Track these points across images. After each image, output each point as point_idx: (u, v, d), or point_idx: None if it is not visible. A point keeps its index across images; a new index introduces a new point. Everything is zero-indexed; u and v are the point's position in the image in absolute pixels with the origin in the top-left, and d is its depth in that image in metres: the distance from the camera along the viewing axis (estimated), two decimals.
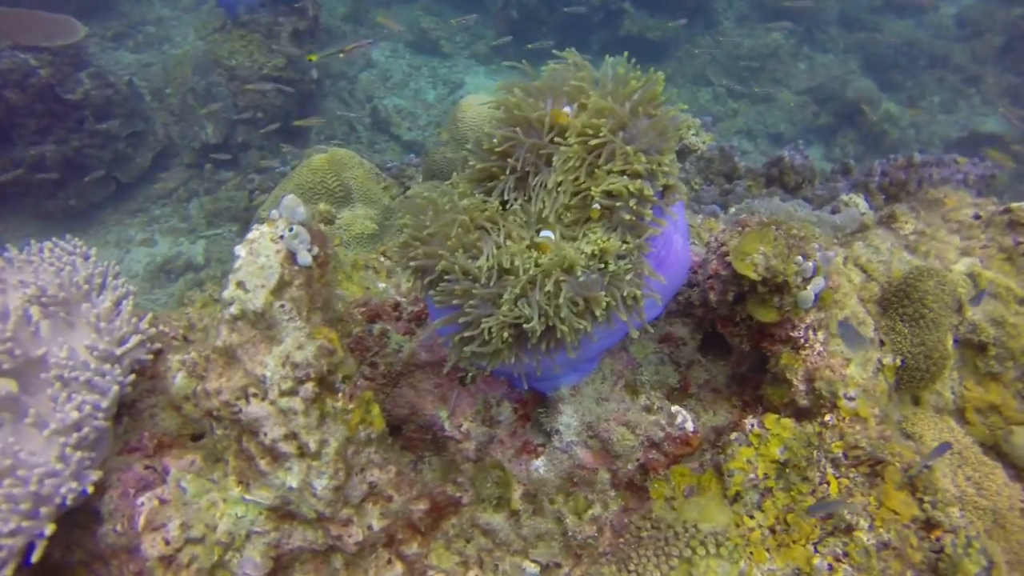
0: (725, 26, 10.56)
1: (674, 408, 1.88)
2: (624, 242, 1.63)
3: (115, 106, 7.46)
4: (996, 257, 2.47)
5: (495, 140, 1.83)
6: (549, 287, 1.56)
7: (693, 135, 4.97)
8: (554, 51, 1.98)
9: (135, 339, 1.98)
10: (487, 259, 1.61)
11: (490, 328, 1.59)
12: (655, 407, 2.02)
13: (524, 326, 1.57)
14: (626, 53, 1.84)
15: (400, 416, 2.25)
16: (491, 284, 1.61)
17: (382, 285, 3.08)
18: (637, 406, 2.00)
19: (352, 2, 10.22)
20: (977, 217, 2.81)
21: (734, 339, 1.95)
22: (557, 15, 9.89)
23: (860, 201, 4.06)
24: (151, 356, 2.08)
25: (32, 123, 6.94)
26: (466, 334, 1.65)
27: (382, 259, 3.26)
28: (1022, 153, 8.34)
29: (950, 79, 9.61)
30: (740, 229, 1.94)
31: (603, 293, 1.59)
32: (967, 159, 4.34)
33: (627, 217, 1.64)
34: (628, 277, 1.62)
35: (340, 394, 1.84)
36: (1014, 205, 2.54)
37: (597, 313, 1.57)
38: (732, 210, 4.09)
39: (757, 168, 4.58)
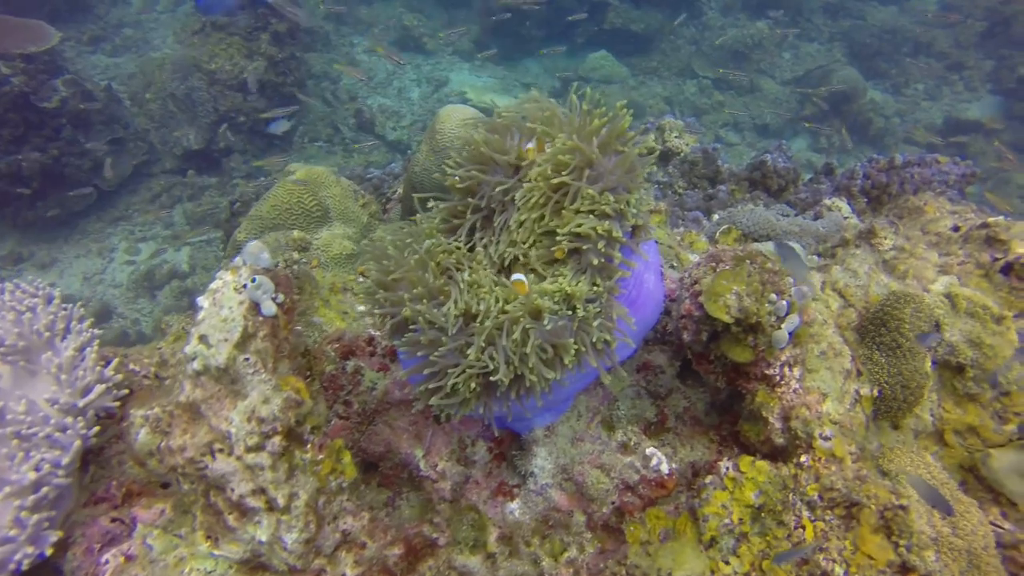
0: (710, 16, 10.45)
1: (648, 450, 1.85)
2: (594, 285, 1.59)
3: (93, 113, 7.31)
4: (974, 274, 2.43)
5: (457, 179, 1.78)
6: (516, 335, 1.52)
7: (676, 137, 4.90)
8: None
9: (99, 389, 1.92)
10: (453, 306, 1.56)
11: (456, 379, 1.54)
12: (631, 444, 1.99)
13: (492, 378, 1.53)
14: (587, 91, 1.78)
15: (376, 454, 2.21)
16: (458, 331, 1.57)
17: (361, 308, 3.02)
18: (613, 445, 1.97)
19: (334, 2, 10.03)
20: (956, 229, 2.78)
21: (709, 376, 1.92)
22: (541, 8, 9.74)
23: (843, 205, 4.03)
24: (118, 403, 2.02)
25: (6, 133, 6.79)
26: (433, 384, 1.61)
27: (361, 279, 3.20)
28: (1003, 141, 8.32)
29: (934, 66, 9.56)
30: (714, 265, 1.89)
31: (572, 340, 1.54)
32: (948, 158, 4.30)
33: (595, 261, 1.59)
34: (597, 322, 1.58)
35: (309, 445, 1.79)
36: (991, 220, 2.51)
37: (567, 360, 1.53)
38: (715, 217, 4.04)
39: (740, 172, 4.53)
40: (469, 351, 1.50)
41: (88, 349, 2.01)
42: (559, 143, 1.68)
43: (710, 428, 2.06)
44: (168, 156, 7.78)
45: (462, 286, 1.60)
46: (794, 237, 3.53)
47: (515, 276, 1.68)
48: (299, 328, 2.65)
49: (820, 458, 1.69)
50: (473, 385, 1.51)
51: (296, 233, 2.76)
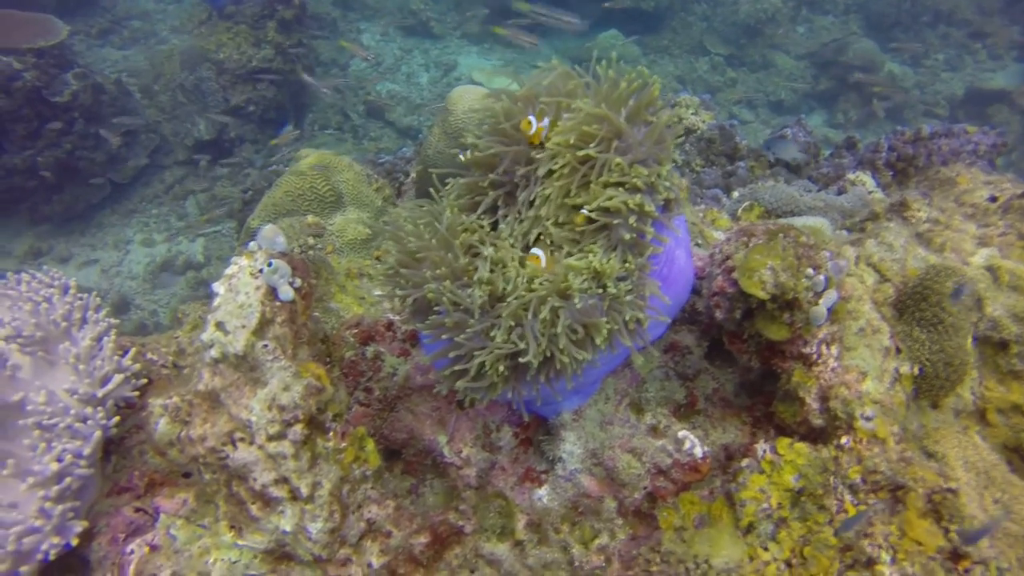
0: None
1: (681, 432, 1.78)
2: (625, 261, 1.50)
3: (104, 106, 7.28)
4: (1016, 245, 2.32)
5: (478, 152, 1.70)
6: (545, 314, 1.44)
7: (692, 114, 4.77)
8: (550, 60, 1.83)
9: (118, 378, 1.88)
10: (478, 286, 1.48)
11: (483, 362, 1.48)
12: (661, 427, 1.92)
13: (521, 360, 1.46)
14: (612, 61, 1.69)
15: (399, 441, 2.16)
16: (483, 313, 1.50)
17: (378, 292, 2.96)
18: (642, 427, 1.90)
19: None
20: (993, 199, 2.66)
21: (742, 356, 1.84)
22: None
23: (867, 179, 3.89)
24: (137, 393, 1.98)
25: (21, 128, 6.78)
26: (459, 367, 1.54)
27: (377, 263, 3.14)
28: None
29: (955, 35, 9.26)
30: (746, 240, 1.80)
31: (604, 319, 1.47)
32: (976, 128, 4.14)
33: (627, 236, 1.51)
34: (629, 299, 1.50)
35: (331, 433, 1.74)
36: None
37: (598, 341, 1.45)
38: (735, 194, 3.93)
39: (759, 148, 4.39)
40: (495, 332, 1.43)
41: (105, 339, 1.97)
42: (586, 112, 1.59)
43: (742, 409, 1.98)
44: (180, 147, 7.75)
45: (488, 265, 1.52)
46: (819, 212, 3.42)
47: (533, 250, 1.61)
48: (316, 314, 2.60)
49: (862, 439, 1.61)
50: (501, 368, 1.44)
51: (311, 218, 2.70)
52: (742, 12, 9.55)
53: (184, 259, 7.08)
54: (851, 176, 3.86)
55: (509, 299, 1.45)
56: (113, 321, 2.08)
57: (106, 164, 7.28)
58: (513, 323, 1.44)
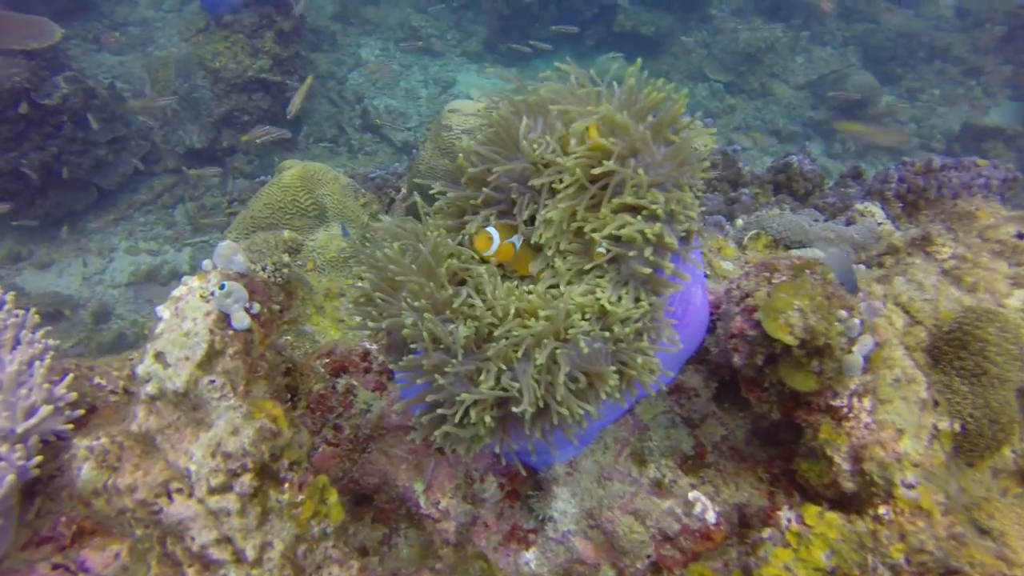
0: (719, 18, 10.13)
1: (692, 494, 1.52)
2: (637, 300, 1.27)
3: (95, 111, 7.03)
4: None
5: (470, 165, 1.47)
6: (541, 360, 1.20)
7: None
8: (556, 64, 1.62)
9: (44, 411, 1.60)
10: (463, 322, 1.24)
11: (467, 410, 1.23)
12: (666, 482, 1.67)
13: (514, 409, 1.21)
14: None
15: (370, 486, 1.89)
16: (469, 353, 1.25)
17: (345, 323, 2.71)
18: (645, 483, 1.65)
19: (341, 1, 9.76)
20: (1021, 236, 2.45)
21: (762, 406, 1.59)
22: (550, 10, 9.45)
23: (877, 210, 3.69)
24: (71, 426, 1.71)
25: (6, 130, 6.52)
26: (439, 412, 1.29)
27: (359, 284, 2.89)
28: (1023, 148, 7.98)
29: (950, 71, 9.21)
30: (767, 275, 1.57)
31: (612, 369, 1.22)
32: (987, 162, 3.97)
33: (643, 270, 1.27)
34: (640, 347, 1.26)
35: (287, 484, 1.47)
36: None
37: (603, 393, 1.21)
38: (739, 222, 3.72)
39: (763, 175, 4.20)
40: (482, 378, 1.18)
41: (37, 363, 1.70)
42: (604, 120, 1.37)
43: (757, 464, 1.74)
44: (170, 155, 7.50)
45: (474, 297, 1.28)
46: (829, 244, 3.21)
47: (487, 228, 1.36)
48: (287, 338, 2.34)
49: (903, 510, 1.37)
50: (488, 419, 1.20)
51: (287, 233, 2.46)
52: (742, 40, 9.48)
53: (170, 268, 6.79)
54: (860, 207, 3.66)
55: (499, 338, 1.20)
56: (52, 343, 1.81)
57: (93, 169, 7.02)
58: (503, 367, 1.19)
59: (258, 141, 5.96)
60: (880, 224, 3.59)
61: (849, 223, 3.59)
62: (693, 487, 1.71)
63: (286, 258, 2.46)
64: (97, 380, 1.96)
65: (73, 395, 1.72)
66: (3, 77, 6.39)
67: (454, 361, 1.21)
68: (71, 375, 1.76)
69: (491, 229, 1.33)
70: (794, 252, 2.59)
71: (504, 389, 1.20)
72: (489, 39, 9.62)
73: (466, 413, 1.20)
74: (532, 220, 1.47)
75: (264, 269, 2.43)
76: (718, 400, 1.94)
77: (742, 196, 4.02)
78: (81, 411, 1.75)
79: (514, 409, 1.17)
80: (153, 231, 7.18)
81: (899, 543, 1.34)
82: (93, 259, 6.85)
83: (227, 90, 7.49)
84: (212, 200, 7.18)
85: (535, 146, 1.41)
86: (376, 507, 1.92)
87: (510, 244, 1.41)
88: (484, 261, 1.38)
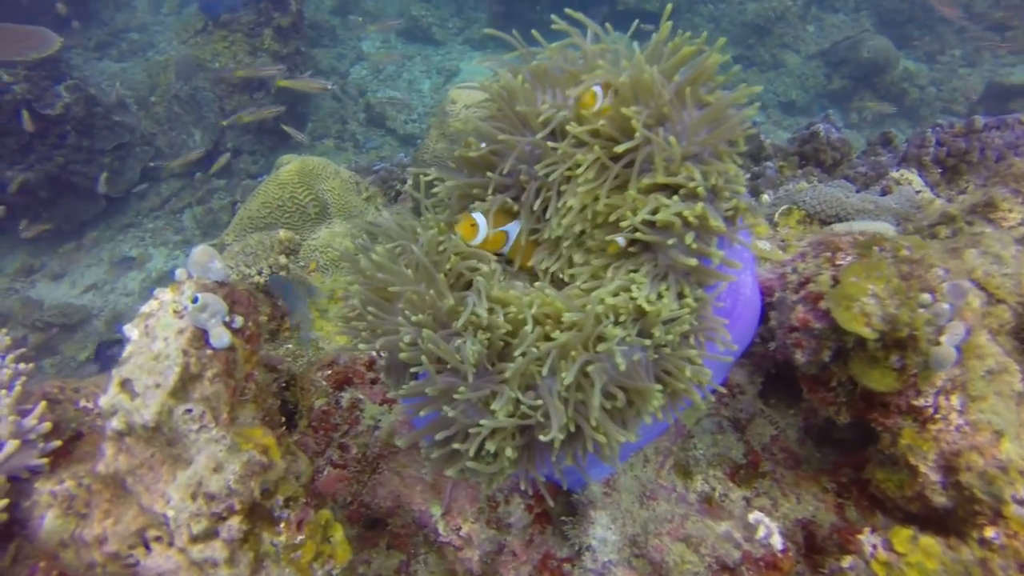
0: None
1: (752, 516, 1.29)
2: (681, 296, 1.03)
3: (98, 118, 6.87)
4: None
5: (472, 148, 1.23)
6: (570, 379, 0.97)
7: None
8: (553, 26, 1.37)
9: (10, 447, 1.41)
10: (472, 337, 1.02)
11: (484, 444, 1.00)
12: (716, 497, 1.44)
13: (540, 437, 0.99)
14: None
15: (383, 509, 1.68)
16: (481, 373, 1.03)
17: (336, 343, 2.49)
18: (693, 498, 1.42)
19: None
20: None
21: (827, 408, 1.35)
22: None
23: (914, 178, 3.39)
24: (46, 460, 1.52)
25: (11, 142, 6.38)
26: (454, 446, 1.07)
27: (349, 298, 2.67)
28: None
29: (972, 30, 8.73)
30: (829, 255, 1.32)
31: (655, 386, 0.99)
32: None
33: (684, 260, 1.03)
34: (689, 353, 1.02)
35: (283, 524, 1.26)
36: None
37: (646, 415, 0.98)
38: (765, 197, 3.43)
39: (787, 147, 3.90)
40: (496, 405, 0.96)
41: (3, 392, 1.50)
42: (625, 84, 1.12)
43: (821, 472, 1.49)
44: (176, 159, 7.33)
45: (480, 303, 1.05)
46: (869, 216, 2.93)
47: (474, 214, 1.12)
48: (286, 348, 2.13)
49: (1016, 533, 1.12)
50: (510, 452, 0.97)
51: (283, 233, 2.24)
52: (749, 12, 9.07)
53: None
54: (895, 174, 3.36)
55: (516, 353, 0.97)
56: (23, 367, 1.62)
57: (98, 178, 6.86)
58: (519, 395, 0.96)
59: (247, 119, 5.75)
60: (919, 192, 3.29)
61: (884, 193, 3.29)
62: (747, 501, 1.47)
63: (283, 260, 2.24)
64: (83, 403, 1.76)
65: (46, 425, 1.52)
66: (3, 88, 6.24)
67: (463, 388, 0.98)
68: (42, 403, 1.56)
69: (478, 215, 1.10)
70: (856, 225, 2.31)
71: (526, 414, 0.97)
72: (491, 24, 9.30)
73: (482, 444, 0.98)
74: (546, 210, 1.24)
75: (260, 273, 2.21)
76: (763, 395, 1.70)
77: (766, 170, 3.73)
78: (57, 442, 1.55)
79: (541, 438, 0.95)
80: (163, 236, 7.03)
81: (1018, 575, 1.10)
82: (104, 268, 6.72)
83: (228, 91, 7.29)
84: (220, 203, 7.00)
85: (543, 117, 1.17)
86: (391, 532, 1.71)
87: (502, 233, 1.18)
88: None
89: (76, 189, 6.70)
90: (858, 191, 3.36)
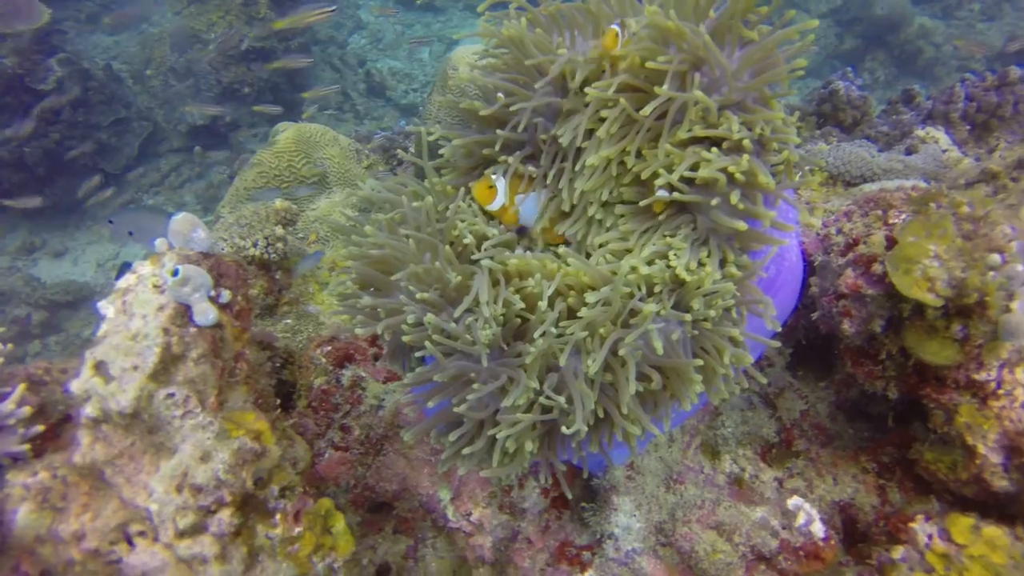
0: None
1: (791, 501, 1.17)
2: (723, 264, 0.89)
3: (92, 93, 6.67)
4: None
5: (478, 100, 1.07)
6: (597, 366, 0.83)
7: None
8: None
9: None
10: (484, 322, 0.88)
11: (499, 436, 0.88)
12: (747, 478, 1.32)
13: (564, 430, 0.86)
14: None
15: (388, 493, 1.58)
16: (496, 354, 0.89)
17: (333, 319, 2.36)
18: (722, 479, 1.30)
19: None
20: None
21: (874, 382, 1.21)
22: None
23: (941, 136, 3.19)
24: (28, 446, 1.41)
25: (3, 118, 6.20)
26: (465, 450, 0.94)
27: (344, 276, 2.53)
28: None
29: None
30: (879, 213, 1.17)
31: (694, 368, 0.85)
32: None
33: (729, 223, 0.89)
34: (731, 332, 0.89)
35: (279, 515, 1.15)
36: None
37: (685, 401, 0.84)
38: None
39: (804, 106, 3.69)
40: (512, 396, 0.82)
41: None
42: (650, 25, 0.96)
43: (860, 451, 1.37)
44: (174, 134, 7.14)
45: (498, 280, 0.91)
46: (897, 176, 2.75)
47: (494, 178, 0.97)
48: (285, 323, 2.00)
49: None
50: (530, 445, 0.84)
51: (279, 202, 2.10)
52: None
53: None
54: (921, 132, 3.16)
55: (537, 335, 0.84)
56: (2, 348, 1.50)
57: (96, 154, 6.70)
58: (541, 373, 0.83)
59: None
60: (945, 151, 3.10)
61: (909, 152, 3.10)
62: (779, 482, 1.36)
63: (279, 231, 2.10)
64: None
65: (26, 410, 1.41)
66: None
67: (477, 385, 0.84)
68: (21, 386, 1.44)
69: (497, 177, 0.95)
70: (888, 185, 2.15)
71: (546, 403, 0.84)
72: None
73: (497, 441, 0.86)
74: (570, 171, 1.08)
75: (255, 245, 2.07)
76: (791, 367, 1.57)
77: None
78: (40, 427, 1.44)
79: (564, 430, 0.82)
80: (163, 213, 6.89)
81: None
82: (105, 244, 6.60)
83: (225, 62, 7.04)
84: (220, 177, 6.83)
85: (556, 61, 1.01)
86: (397, 516, 1.61)
87: (516, 210, 1.03)
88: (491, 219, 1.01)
89: (74, 165, 6.54)
90: (880, 151, 3.17)
